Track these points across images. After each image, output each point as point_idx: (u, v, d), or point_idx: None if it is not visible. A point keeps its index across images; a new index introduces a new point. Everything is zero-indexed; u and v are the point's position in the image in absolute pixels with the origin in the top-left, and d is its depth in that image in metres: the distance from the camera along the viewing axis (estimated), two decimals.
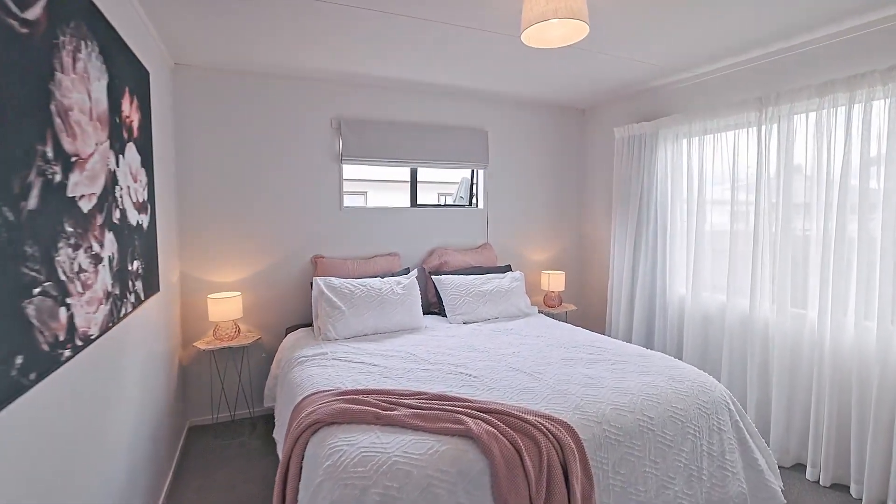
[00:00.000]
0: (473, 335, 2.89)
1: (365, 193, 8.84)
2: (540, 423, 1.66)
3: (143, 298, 1.95)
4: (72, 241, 1.24)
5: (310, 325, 3.23)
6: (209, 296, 2.94)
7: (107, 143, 1.54)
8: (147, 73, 2.14)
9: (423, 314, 3.47)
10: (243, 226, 3.18)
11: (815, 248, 2.54)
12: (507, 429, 1.62)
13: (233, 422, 3.19)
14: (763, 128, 2.69)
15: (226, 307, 2.87)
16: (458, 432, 1.59)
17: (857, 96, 2.29)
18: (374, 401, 1.79)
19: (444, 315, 3.38)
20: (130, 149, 1.82)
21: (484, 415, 1.69)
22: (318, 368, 2.28)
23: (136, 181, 1.88)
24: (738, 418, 2.10)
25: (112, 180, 1.59)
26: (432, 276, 3.50)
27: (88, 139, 1.37)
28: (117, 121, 1.66)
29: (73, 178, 1.26)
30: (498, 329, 3.04)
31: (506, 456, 1.53)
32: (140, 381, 1.97)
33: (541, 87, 3.54)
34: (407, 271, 3.41)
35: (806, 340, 2.58)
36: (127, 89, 1.79)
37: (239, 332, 3.01)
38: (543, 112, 4.13)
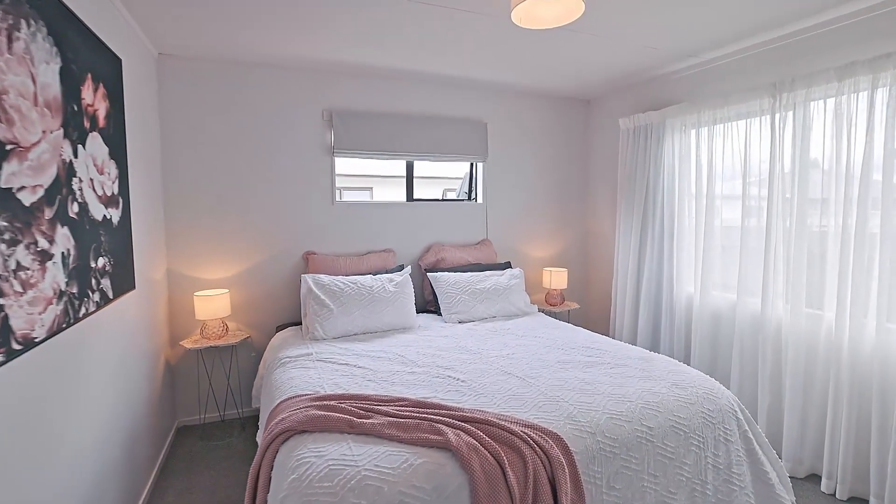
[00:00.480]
0: (468, 335, 2.76)
1: (371, 189, 8.75)
2: (526, 433, 1.53)
3: (111, 297, 1.85)
4: (6, 236, 1.14)
5: (300, 323, 3.13)
6: (195, 293, 2.85)
7: (60, 132, 1.44)
8: (119, 61, 2.04)
9: (418, 313, 3.35)
10: (232, 221, 3.09)
11: (833, 245, 2.36)
12: (490, 440, 1.49)
13: (222, 422, 3.11)
14: (777, 115, 2.51)
15: (213, 305, 2.78)
16: (436, 444, 1.47)
17: (880, 79, 2.10)
18: (351, 407, 1.68)
19: (440, 314, 3.26)
20: (94, 139, 1.72)
21: (465, 424, 1.56)
22: (300, 370, 2.18)
23: (102, 173, 1.78)
24: (746, 427, 1.95)
25: (67, 172, 1.49)
26: (428, 274, 3.37)
27: (32, 126, 1.27)
28: (75, 108, 1.56)
29: (9, 167, 1.16)
30: (494, 329, 2.91)
31: (486, 470, 1.41)
32: (112, 382, 1.88)
33: (541, 77, 3.38)
34: (401, 268, 3.29)
35: (822, 343, 2.41)
36: (90, 76, 1.69)
37: (227, 330, 2.92)
38: (545, 103, 3.96)
